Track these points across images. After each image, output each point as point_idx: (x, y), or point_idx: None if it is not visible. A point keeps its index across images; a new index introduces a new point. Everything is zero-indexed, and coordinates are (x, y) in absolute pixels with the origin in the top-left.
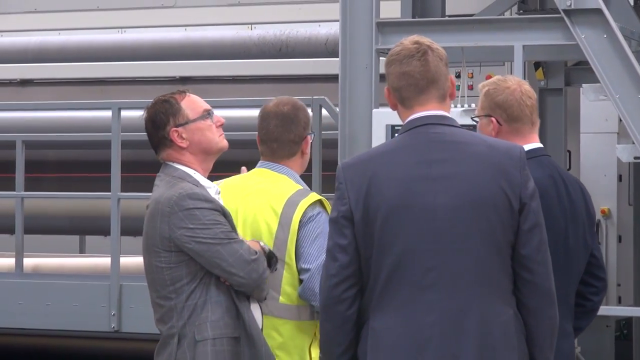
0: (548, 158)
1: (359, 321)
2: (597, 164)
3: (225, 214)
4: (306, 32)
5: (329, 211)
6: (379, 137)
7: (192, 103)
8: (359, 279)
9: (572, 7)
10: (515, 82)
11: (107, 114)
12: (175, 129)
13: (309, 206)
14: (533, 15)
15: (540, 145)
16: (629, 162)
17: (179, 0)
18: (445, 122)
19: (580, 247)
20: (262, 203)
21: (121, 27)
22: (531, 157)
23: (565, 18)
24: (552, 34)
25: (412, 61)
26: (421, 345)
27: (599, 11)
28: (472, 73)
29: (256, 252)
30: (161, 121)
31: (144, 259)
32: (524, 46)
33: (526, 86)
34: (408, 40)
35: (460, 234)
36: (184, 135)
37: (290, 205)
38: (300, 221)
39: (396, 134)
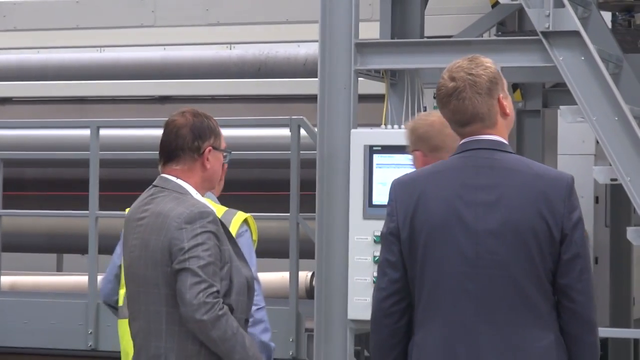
0: None
1: (409, 334)
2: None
3: (220, 240)
4: (285, 52)
5: (253, 228)
6: (357, 157)
7: (222, 136)
8: (408, 294)
9: (551, 29)
10: (437, 115)
11: (86, 132)
12: (210, 148)
13: (240, 223)
14: (511, 37)
15: None
16: (606, 184)
17: (158, 20)
18: (495, 146)
19: None
20: None
21: (100, 46)
22: None
23: (544, 40)
24: (530, 55)
25: (451, 100)
26: None
27: (577, 34)
28: None
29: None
30: (204, 133)
31: (137, 270)
32: (502, 68)
33: None
34: (447, 74)
35: (499, 260)
36: (209, 158)
37: (224, 222)
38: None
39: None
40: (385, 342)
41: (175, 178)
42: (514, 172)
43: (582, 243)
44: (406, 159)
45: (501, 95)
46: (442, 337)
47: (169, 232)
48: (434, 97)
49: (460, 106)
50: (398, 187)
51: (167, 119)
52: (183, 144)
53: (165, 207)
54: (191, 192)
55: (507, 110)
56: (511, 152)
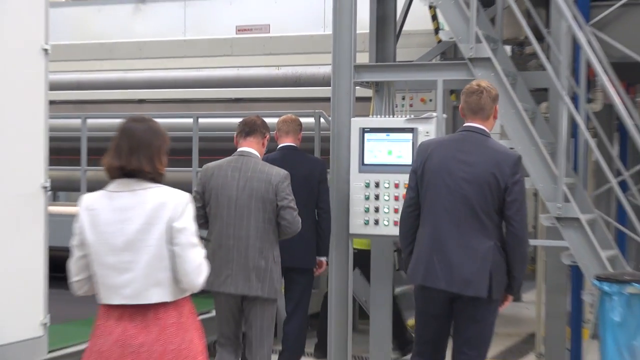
0: (289, 150)
1: (417, 228)
2: None
3: None
4: (312, 71)
5: None
6: (355, 135)
7: None
8: (419, 207)
9: (473, 56)
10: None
11: (190, 120)
12: (268, 137)
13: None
14: (449, 61)
15: (287, 144)
16: None
17: (234, 51)
18: (480, 132)
19: (314, 193)
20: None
21: (199, 68)
22: (280, 150)
23: (469, 63)
24: (461, 72)
25: (472, 96)
26: (437, 247)
27: (489, 59)
28: (412, 96)
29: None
30: (267, 128)
31: (245, 202)
32: (443, 80)
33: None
34: (475, 82)
35: (466, 195)
36: (265, 143)
37: None
38: None
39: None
40: (407, 230)
41: (253, 150)
42: (485, 147)
43: (519, 192)
44: (385, 135)
45: (497, 106)
46: (430, 232)
47: (274, 182)
48: (402, 99)
49: (477, 101)
50: (420, 147)
51: (244, 115)
52: (259, 127)
53: (265, 168)
54: (260, 163)
55: (497, 115)
56: (488, 137)
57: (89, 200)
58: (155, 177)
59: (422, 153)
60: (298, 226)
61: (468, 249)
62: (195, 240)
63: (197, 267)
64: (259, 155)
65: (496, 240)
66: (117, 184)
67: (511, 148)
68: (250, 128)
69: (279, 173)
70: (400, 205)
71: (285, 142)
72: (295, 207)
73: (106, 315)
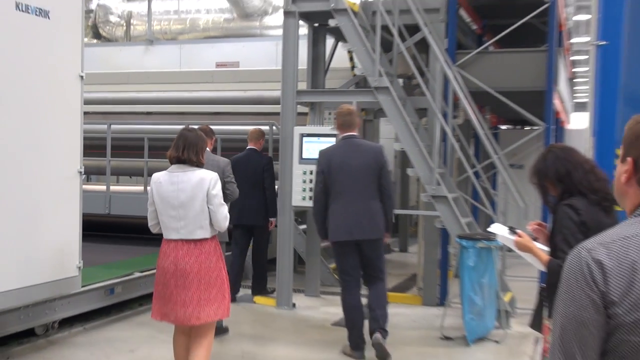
0: (250, 150)
1: (327, 206)
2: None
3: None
4: (269, 94)
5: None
6: (297, 138)
7: (213, 140)
8: (328, 192)
9: (377, 86)
10: (206, 126)
11: (182, 127)
12: (215, 139)
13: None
14: (361, 89)
15: (250, 147)
16: (399, 150)
17: (215, 79)
18: (355, 137)
19: (261, 177)
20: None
21: (191, 90)
22: (246, 150)
23: (374, 90)
24: (369, 97)
25: (347, 116)
26: (349, 213)
27: (388, 88)
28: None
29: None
30: (213, 133)
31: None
32: (357, 102)
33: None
34: (345, 106)
35: (361, 177)
36: (212, 143)
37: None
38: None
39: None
40: (321, 208)
41: (208, 149)
42: (363, 145)
43: (386, 170)
44: (317, 139)
45: (359, 119)
46: (341, 205)
47: (222, 166)
48: (329, 114)
49: (351, 118)
50: (323, 154)
51: (222, 124)
52: (208, 133)
53: (215, 158)
54: (210, 154)
55: (359, 124)
56: (360, 139)
57: (156, 176)
58: (198, 164)
59: (326, 157)
60: (237, 195)
61: (367, 209)
62: (222, 201)
63: (224, 217)
64: (209, 151)
65: (379, 200)
66: (175, 167)
67: (402, 149)
68: (204, 133)
69: (225, 160)
70: None
71: (250, 145)
72: (235, 182)
73: (167, 246)
